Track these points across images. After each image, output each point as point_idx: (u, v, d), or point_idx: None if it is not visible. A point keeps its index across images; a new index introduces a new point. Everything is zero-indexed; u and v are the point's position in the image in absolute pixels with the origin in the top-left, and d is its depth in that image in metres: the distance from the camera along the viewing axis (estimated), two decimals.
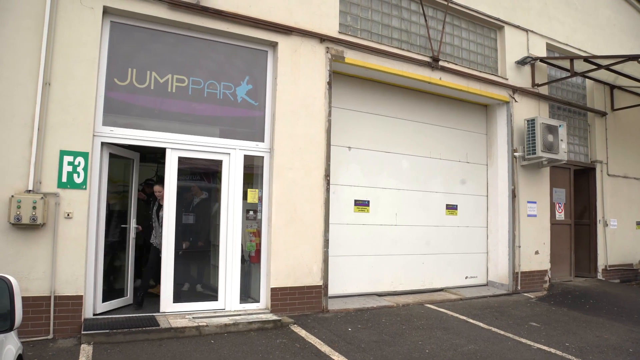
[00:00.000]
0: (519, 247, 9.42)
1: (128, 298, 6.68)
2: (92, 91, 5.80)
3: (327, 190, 7.21)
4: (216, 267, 6.67)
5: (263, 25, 6.85)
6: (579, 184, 11.32)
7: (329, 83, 7.36)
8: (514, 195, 9.45)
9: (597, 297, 9.02)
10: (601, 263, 11.21)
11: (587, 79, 11.21)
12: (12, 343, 2.79)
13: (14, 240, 5.31)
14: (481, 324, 6.78)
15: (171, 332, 5.55)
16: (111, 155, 6.23)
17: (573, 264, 10.94)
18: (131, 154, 6.75)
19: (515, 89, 9.70)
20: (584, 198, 11.44)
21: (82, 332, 5.27)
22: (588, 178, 11.40)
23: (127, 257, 6.82)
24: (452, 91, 9.03)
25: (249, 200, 6.88)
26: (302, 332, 5.95)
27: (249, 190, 6.89)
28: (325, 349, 5.35)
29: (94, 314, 5.87)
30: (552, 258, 10.15)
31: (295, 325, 6.24)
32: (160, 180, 6.91)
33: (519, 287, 9.36)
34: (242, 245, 6.81)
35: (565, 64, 9.91)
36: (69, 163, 5.61)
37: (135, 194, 6.87)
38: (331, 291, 7.52)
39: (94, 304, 5.89)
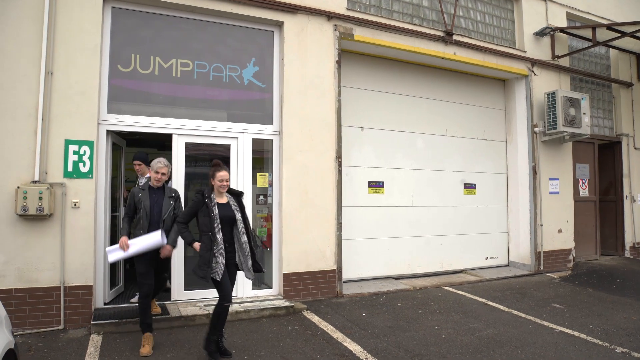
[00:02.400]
0: (541, 225, 9.11)
1: (120, 287, 6.69)
2: (95, 79, 5.70)
3: (339, 172, 7.02)
4: None
5: (268, 4, 6.63)
6: (604, 159, 10.88)
7: (338, 62, 7.12)
8: (534, 172, 9.11)
9: (624, 276, 8.69)
10: (628, 240, 10.82)
11: (610, 49, 10.70)
12: (0, 337, 2.70)
13: (23, 231, 5.29)
14: (501, 307, 6.57)
15: (181, 320, 5.49)
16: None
17: (599, 242, 10.57)
18: (119, 141, 6.66)
19: (534, 62, 9.29)
20: (609, 173, 11.01)
21: (92, 322, 5.25)
22: (613, 152, 10.94)
23: None
24: (467, 66, 8.69)
25: (259, 184, 6.75)
26: (315, 319, 5.84)
27: (258, 174, 6.75)
28: (337, 335, 5.22)
29: (105, 303, 5.85)
30: (577, 236, 9.82)
31: (308, 311, 6.13)
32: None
33: (542, 267, 9.08)
34: (253, 230, 6.68)
35: (587, 33, 9.42)
36: (75, 152, 5.54)
37: (123, 181, 6.98)
38: (346, 275, 7.39)
39: (104, 293, 5.87)
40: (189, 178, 6.44)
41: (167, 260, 5.19)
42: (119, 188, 6.88)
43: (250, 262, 4.54)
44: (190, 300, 6.17)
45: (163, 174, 4.93)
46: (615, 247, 10.87)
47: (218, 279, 4.35)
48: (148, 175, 5.80)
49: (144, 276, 4.79)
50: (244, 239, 4.52)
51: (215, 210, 4.41)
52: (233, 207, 4.57)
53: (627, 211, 10.84)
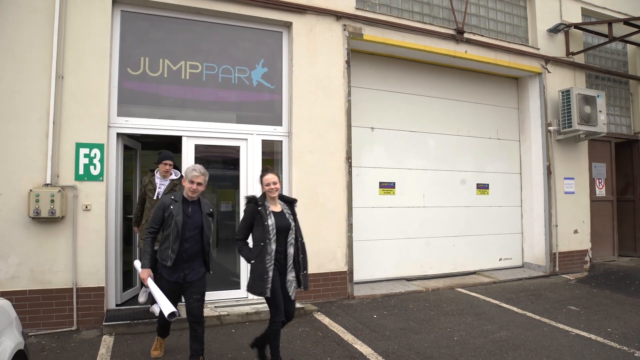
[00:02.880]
0: (556, 226, 8.95)
1: (137, 287, 6.67)
2: (105, 82, 5.74)
3: (349, 173, 6.98)
4: (235, 256, 6.56)
5: (276, 5, 6.62)
6: (621, 158, 10.66)
7: (348, 62, 7.08)
8: (549, 171, 8.96)
9: None
10: None
11: (628, 44, 10.47)
12: (10, 338, 2.71)
13: (36, 233, 5.34)
14: (515, 309, 6.46)
15: None
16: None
17: (616, 243, 10.35)
18: (134, 144, 6.71)
19: (547, 59, 9.14)
20: (627, 172, 10.78)
21: (104, 324, 5.28)
22: (631, 151, 10.71)
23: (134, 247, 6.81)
24: (479, 64, 8.58)
25: None
26: (326, 320, 5.80)
27: None
28: (348, 337, 5.17)
29: (117, 305, 5.88)
30: (593, 237, 9.63)
31: (319, 312, 6.09)
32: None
33: (557, 269, 8.93)
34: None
35: (603, 29, 9.24)
36: (85, 155, 5.58)
37: (138, 183, 6.89)
38: (357, 277, 7.33)
39: (116, 295, 5.89)
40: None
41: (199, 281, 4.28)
42: (134, 190, 6.92)
43: (290, 277, 4.14)
44: None
45: (199, 184, 4.15)
46: (633, 248, 10.64)
47: (268, 295, 4.01)
48: (172, 177, 5.73)
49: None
50: (291, 250, 4.13)
51: (271, 220, 4.05)
52: (287, 215, 4.20)
53: None
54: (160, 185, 5.68)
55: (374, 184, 7.94)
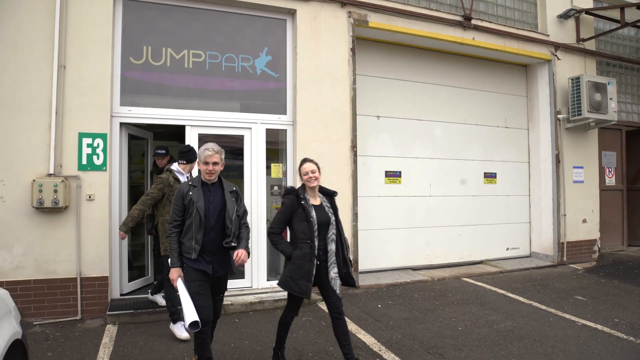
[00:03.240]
0: (565, 215, 8.84)
1: (149, 277, 6.70)
2: (107, 71, 5.70)
3: (355, 162, 6.91)
4: None
5: None
6: (632, 146, 10.48)
7: (353, 49, 6.97)
8: (558, 160, 8.83)
9: None
10: None
11: None
12: (7, 327, 2.70)
13: (40, 223, 5.36)
14: (521, 299, 6.40)
15: None
16: (131, 137, 6.20)
17: (625, 233, 10.22)
18: (145, 134, 6.68)
19: (557, 46, 8.96)
20: (638, 161, 10.60)
21: (107, 313, 5.30)
22: None
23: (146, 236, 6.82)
24: (487, 52, 8.43)
25: (273, 175, 6.69)
26: None
27: (272, 165, 6.70)
28: (351, 327, 5.15)
29: (121, 294, 5.90)
30: (602, 226, 9.51)
31: (324, 302, 6.06)
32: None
33: (565, 258, 8.83)
34: (268, 221, 6.65)
35: (615, 14, 9.03)
36: (88, 145, 5.57)
37: (150, 174, 6.88)
38: (363, 266, 7.31)
39: (120, 284, 5.91)
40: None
41: (225, 277, 3.94)
42: (147, 181, 6.93)
43: (333, 273, 3.86)
44: None
45: (215, 163, 3.68)
46: None
47: (309, 297, 3.81)
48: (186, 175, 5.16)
49: (201, 297, 3.57)
50: (332, 246, 3.85)
51: (313, 213, 3.79)
52: (327, 208, 3.93)
53: None
54: (179, 177, 5.11)
55: (380, 173, 7.87)
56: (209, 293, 3.68)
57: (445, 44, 7.97)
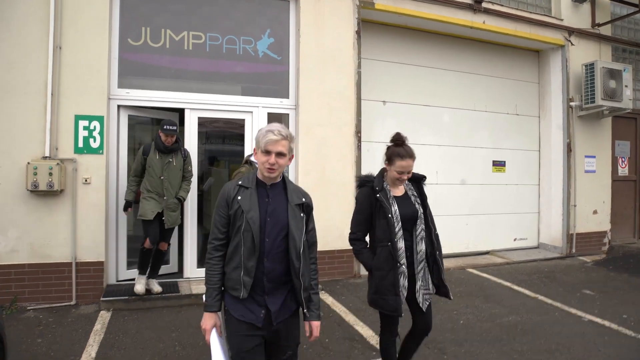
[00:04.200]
0: (575, 206, 8.61)
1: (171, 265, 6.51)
2: (104, 53, 5.56)
3: (359, 147, 6.74)
4: None
5: None
6: None
7: (358, 32, 6.75)
8: (569, 149, 8.58)
9: None
10: None
11: None
12: None
13: (35, 207, 5.28)
14: (527, 292, 6.23)
15: (191, 298, 5.42)
16: (131, 117, 6.05)
17: (637, 225, 9.95)
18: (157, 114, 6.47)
19: (571, 31, 8.64)
20: None
21: (101, 299, 5.24)
22: None
23: None
24: (497, 36, 8.14)
25: None
26: (329, 299, 5.67)
27: None
28: (349, 318, 5.04)
29: (117, 280, 5.82)
30: (613, 218, 9.27)
31: (323, 291, 5.95)
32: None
33: (574, 250, 8.63)
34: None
35: None
36: (85, 128, 5.46)
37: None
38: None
39: (117, 270, 5.83)
40: (209, 156, 6.30)
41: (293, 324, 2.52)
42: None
43: (427, 282, 3.10)
44: (203, 277, 6.06)
45: (281, 154, 2.36)
46: None
47: (401, 314, 3.02)
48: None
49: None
50: (422, 246, 3.07)
51: (394, 207, 3.05)
52: (413, 198, 3.17)
53: None
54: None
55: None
56: (262, 353, 2.43)
57: (454, 27, 7.70)
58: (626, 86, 8.49)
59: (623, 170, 9.68)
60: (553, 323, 5.03)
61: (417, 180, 3.27)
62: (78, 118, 5.42)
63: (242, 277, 2.32)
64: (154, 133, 5.91)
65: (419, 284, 3.05)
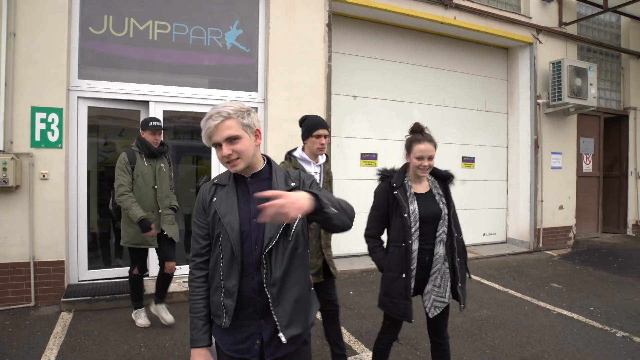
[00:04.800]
0: (542, 201, 8.76)
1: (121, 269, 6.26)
2: (63, 41, 5.27)
3: (329, 142, 6.63)
4: None
5: None
6: (610, 133, 10.42)
7: (329, 25, 6.65)
8: (536, 145, 8.71)
9: (626, 255, 8.35)
10: (631, 218, 10.45)
11: (622, 16, 10.11)
12: None
13: None
14: (497, 286, 6.27)
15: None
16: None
17: (601, 220, 10.22)
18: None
19: (539, 29, 8.77)
20: (615, 148, 10.56)
21: (62, 300, 4.98)
22: (620, 126, 10.47)
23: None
24: (468, 32, 8.18)
25: None
26: None
27: None
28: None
29: (79, 280, 5.55)
30: (578, 213, 9.47)
31: None
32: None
33: (541, 245, 8.77)
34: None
35: None
36: (42, 120, 5.17)
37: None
38: (336, 251, 7.03)
39: (79, 270, 5.56)
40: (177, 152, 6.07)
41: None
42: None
43: (443, 288, 2.86)
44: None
45: (232, 138, 1.80)
46: (617, 225, 10.52)
47: (411, 320, 2.87)
48: (321, 161, 3.53)
49: None
50: (440, 249, 2.85)
51: (413, 206, 2.85)
52: (438, 197, 2.95)
53: (632, 188, 10.44)
54: (314, 174, 3.45)
55: (355, 155, 7.61)
56: None
57: (425, 22, 7.69)
58: (591, 84, 8.67)
59: (587, 166, 9.92)
60: (523, 316, 5.06)
61: (444, 179, 3.06)
62: (35, 110, 5.13)
63: (222, 301, 1.85)
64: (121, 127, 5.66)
65: (429, 287, 2.85)
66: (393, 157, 7.92)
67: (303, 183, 1.98)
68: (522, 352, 4.15)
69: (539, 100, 8.70)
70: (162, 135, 4.62)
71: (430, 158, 2.85)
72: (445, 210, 2.89)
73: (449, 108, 8.45)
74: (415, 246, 2.80)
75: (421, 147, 2.84)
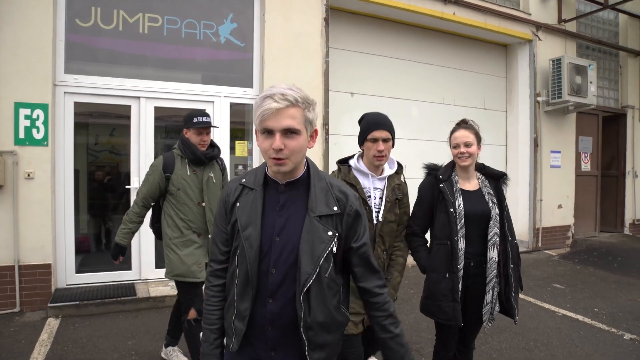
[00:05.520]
0: (541, 200, 8.62)
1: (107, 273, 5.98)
2: (49, 34, 5.04)
3: (326, 140, 6.46)
4: None
5: None
6: (608, 132, 10.31)
7: (326, 19, 6.46)
8: (536, 144, 8.57)
9: (625, 254, 8.25)
10: (628, 217, 10.36)
11: (620, 14, 10.00)
12: None
13: None
14: None
15: (149, 301, 5.00)
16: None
17: (598, 219, 10.11)
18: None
19: (539, 26, 8.63)
20: (613, 147, 10.45)
21: (49, 305, 4.74)
22: (618, 125, 10.36)
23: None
24: (467, 29, 8.01)
25: (238, 153, 6.18)
26: None
27: (237, 142, 6.18)
28: None
29: (67, 284, 5.31)
30: (576, 212, 9.35)
31: None
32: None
33: (540, 244, 8.64)
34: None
35: None
36: (26, 117, 4.93)
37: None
38: None
39: (66, 273, 5.32)
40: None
41: None
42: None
43: (489, 297, 2.65)
44: (161, 279, 5.63)
45: (291, 131, 1.51)
46: (614, 224, 10.43)
47: (460, 323, 2.62)
48: (387, 172, 2.76)
49: None
50: (494, 253, 2.63)
51: (459, 201, 2.67)
52: (487, 196, 2.72)
53: (629, 187, 10.34)
54: (374, 190, 2.65)
55: (354, 154, 7.41)
56: None
57: (424, 18, 7.51)
58: (591, 82, 8.55)
59: (586, 165, 9.81)
60: (528, 319, 4.91)
61: (496, 178, 2.82)
62: (19, 106, 4.89)
63: (233, 321, 1.64)
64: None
65: (487, 297, 2.62)
66: (391, 156, 7.75)
67: (347, 213, 1.64)
68: (530, 356, 4.00)
69: (539, 98, 8.56)
70: (211, 134, 3.54)
71: (468, 145, 2.69)
72: (495, 211, 2.67)
73: (447, 106, 8.28)
74: (462, 245, 2.60)
75: (455, 135, 2.75)
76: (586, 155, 9.82)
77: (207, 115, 3.47)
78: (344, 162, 2.75)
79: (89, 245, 6.34)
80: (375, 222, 2.56)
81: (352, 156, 2.76)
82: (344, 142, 7.26)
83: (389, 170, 2.71)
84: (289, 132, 1.50)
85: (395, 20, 7.62)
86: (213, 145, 3.57)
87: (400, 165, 2.80)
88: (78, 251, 5.54)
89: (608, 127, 10.29)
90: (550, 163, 8.82)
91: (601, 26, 10.07)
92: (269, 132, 1.50)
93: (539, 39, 8.62)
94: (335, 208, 1.61)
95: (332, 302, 1.65)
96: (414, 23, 7.76)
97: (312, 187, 1.61)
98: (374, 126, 2.61)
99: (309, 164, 1.67)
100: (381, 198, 2.62)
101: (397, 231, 2.71)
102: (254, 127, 6.10)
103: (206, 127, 3.42)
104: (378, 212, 2.58)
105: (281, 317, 1.59)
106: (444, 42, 8.22)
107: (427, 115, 8.08)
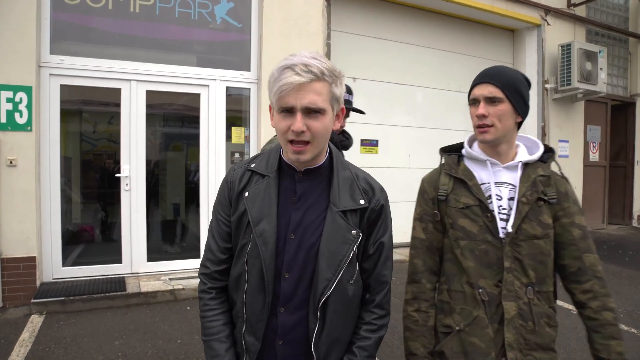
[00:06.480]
0: None
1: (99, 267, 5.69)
2: (32, 11, 4.71)
3: None
4: (198, 220, 5.75)
5: None
6: (616, 121, 10.02)
7: (328, 0, 6.12)
8: (544, 133, 8.28)
9: (635, 248, 7.98)
10: (637, 209, 10.11)
11: None
12: None
13: None
14: None
15: (140, 297, 4.72)
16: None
17: (606, 211, 9.84)
18: None
19: (548, 10, 8.29)
20: (621, 137, 10.18)
21: (32, 301, 4.46)
22: (626, 114, 10.09)
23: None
24: (474, 12, 7.67)
25: (234, 140, 5.87)
26: None
27: (233, 128, 5.86)
28: None
29: (53, 278, 5.02)
30: (584, 204, 9.05)
31: None
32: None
33: None
34: None
35: None
36: (8, 100, 4.61)
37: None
38: None
39: (52, 267, 5.03)
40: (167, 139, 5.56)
41: None
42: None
43: None
44: (153, 272, 5.36)
45: (313, 110, 1.24)
46: (622, 216, 10.17)
47: None
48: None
49: None
50: None
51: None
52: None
53: (637, 177, 10.08)
54: (498, 186, 1.64)
55: (355, 142, 7.08)
56: None
57: (430, 0, 7.17)
58: (601, 69, 8.24)
59: (594, 155, 9.52)
60: None
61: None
62: (0, 88, 4.57)
63: (243, 336, 1.37)
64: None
65: None
66: (395, 144, 7.47)
67: (372, 209, 1.39)
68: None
69: (547, 85, 8.25)
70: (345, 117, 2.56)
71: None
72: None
73: (453, 92, 7.95)
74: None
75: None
76: (594, 144, 9.53)
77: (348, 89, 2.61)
78: (452, 150, 1.82)
79: (93, 235, 6.07)
80: (502, 235, 1.59)
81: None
82: (345, 129, 6.95)
83: (524, 154, 1.68)
84: (313, 111, 1.23)
85: (399, 3, 7.28)
86: (344, 133, 2.84)
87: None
88: (68, 242, 5.24)
89: (616, 115, 10.00)
90: (558, 153, 8.52)
91: (611, 11, 9.73)
92: (288, 111, 1.24)
93: (548, 24, 8.29)
94: (362, 201, 1.36)
95: (354, 315, 1.40)
96: (419, 5, 7.41)
97: (335, 177, 1.36)
98: (475, 81, 1.66)
99: (331, 150, 1.40)
100: (512, 198, 1.62)
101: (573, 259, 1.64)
102: (254, 112, 5.84)
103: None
104: (507, 220, 1.60)
105: (294, 330, 1.34)
106: (450, 26, 7.89)
107: (432, 102, 7.80)
